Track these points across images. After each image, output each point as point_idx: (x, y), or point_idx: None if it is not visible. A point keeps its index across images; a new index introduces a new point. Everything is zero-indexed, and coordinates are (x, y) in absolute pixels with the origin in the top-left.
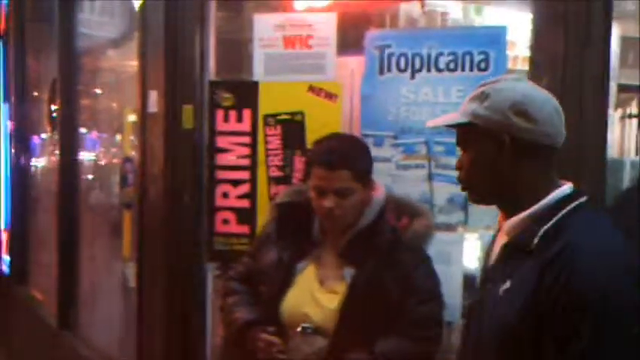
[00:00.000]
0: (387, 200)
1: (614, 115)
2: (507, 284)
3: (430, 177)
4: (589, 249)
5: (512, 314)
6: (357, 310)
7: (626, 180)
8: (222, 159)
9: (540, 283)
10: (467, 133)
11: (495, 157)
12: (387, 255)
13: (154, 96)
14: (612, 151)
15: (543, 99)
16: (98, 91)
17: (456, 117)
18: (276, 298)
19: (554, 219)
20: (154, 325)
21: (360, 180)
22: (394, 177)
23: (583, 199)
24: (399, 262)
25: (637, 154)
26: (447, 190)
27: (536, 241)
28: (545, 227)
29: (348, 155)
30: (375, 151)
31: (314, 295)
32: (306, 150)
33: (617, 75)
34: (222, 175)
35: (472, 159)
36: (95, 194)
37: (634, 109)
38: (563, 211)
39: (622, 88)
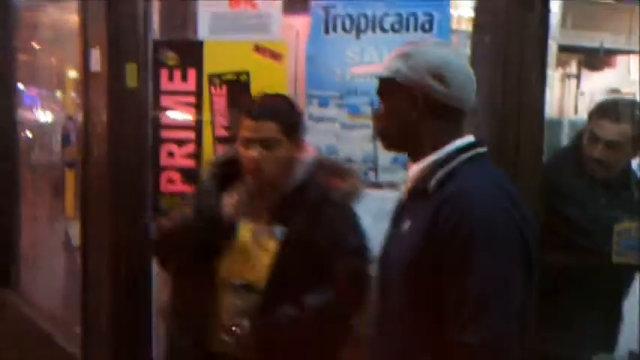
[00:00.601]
0: (318, 162)
1: (553, 75)
2: (408, 224)
3: (375, 137)
4: (476, 192)
5: (411, 251)
6: (287, 267)
7: (565, 139)
8: (167, 118)
9: (435, 221)
10: (387, 86)
11: (408, 110)
12: (317, 212)
13: (96, 54)
14: (552, 110)
15: (460, 66)
16: (37, 46)
17: (379, 70)
18: (214, 261)
19: (450, 166)
20: (99, 284)
21: (286, 134)
22: (339, 137)
23: (481, 149)
24: (328, 219)
25: (576, 114)
26: None
27: (432, 184)
28: (441, 173)
29: (274, 107)
30: (320, 112)
31: (250, 254)
32: None
33: (557, 36)
34: (167, 134)
35: (388, 109)
36: (36, 153)
37: (573, 70)
38: (459, 159)
39: (562, 49)
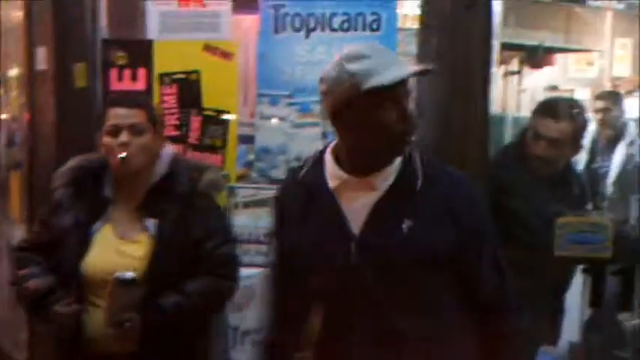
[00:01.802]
0: (176, 156)
1: (496, 72)
2: (409, 222)
3: (324, 135)
4: (465, 176)
5: (439, 238)
6: (164, 258)
7: (508, 135)
8: None
9: (451, 208)
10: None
11: None
12: (186, 202)
13: (42, 53)
14: (495, 107)
15: None
16: None
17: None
18: (75, 263)
19: (416, 161)
20: None
21: (152, 123)
22: (289, 135)
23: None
24: (198, 208)
25: (518, 110)
26: None
27: (420, 182)
28: (420, 169)
29: (140, 98)
30: (270, 110)
31: (117, 249)
32: (202, 109)
33: (499, 34)
34: None
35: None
36: None
37: (515, 67)
38: (420, 158)
39: (504, 47)
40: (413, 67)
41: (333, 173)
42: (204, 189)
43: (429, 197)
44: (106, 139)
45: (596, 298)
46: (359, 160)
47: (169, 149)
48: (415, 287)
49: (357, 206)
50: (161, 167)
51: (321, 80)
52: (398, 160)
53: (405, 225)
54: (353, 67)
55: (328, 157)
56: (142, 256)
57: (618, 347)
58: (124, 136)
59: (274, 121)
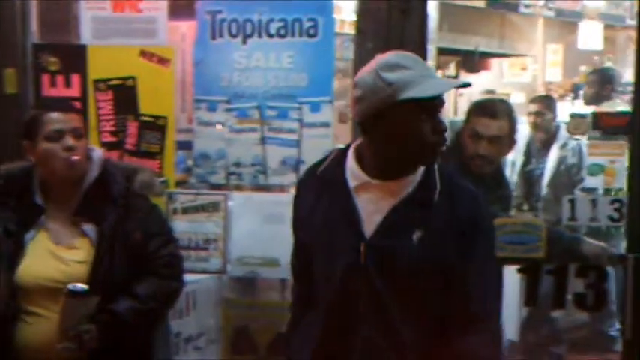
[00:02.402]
0: (105, 159)
1: None
2: (419, 233)
3: (263, 141)
4: (472, 188)
5: (445, 253)
6: (108, 260)
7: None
8: None
9: (457, 219)
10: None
11: None
12: (122, 204)
13: None
14: None
15: None
16: None
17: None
18: (8, 272)
19: (432, 172)
20: None
21: (84, 128)
22: (228, 141)
23: None
24: (135, 208)
25: (455, 115)
26: (280, 152)
27: (437, 195)
28: (438, 181)
29: (72, 103)
30: (208, 116)
31: (55, 255)
32: (139, 115)
33: (435, 39)
34: None
35: None
36: None
37: (452, 72)
38: (439, 171)
39: (441, 52)
40: (452, 81)
41: (354, 173)
42: (138, 190)
43: (443, 211)
44: (48, 145)
45: (530, 298)
46: (385, 167)
47: (99, 153)
48: (417, 292)
49: (372, 209)
50: (93, 171)
51: (356, 85)
52: (420, 170)
53: (416, 235)
54: (391, 76)
55: (350, 157)
56: (81, 261)
57: (554, 344)
58: (69, 140)
59: (219, 127)
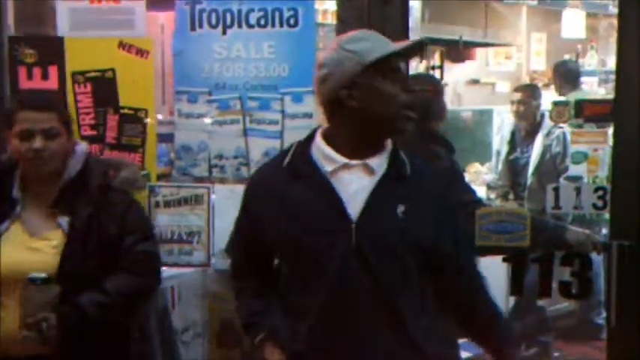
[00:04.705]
0: (89, 154)
1: (418, 66)
2: (402, 207)
3: (245, 132)
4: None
5: (426, 227)
6: (79, 255)
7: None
8: None
9: (443, 193)
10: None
11: None
12: (100, 197)
13: None
14: None
15: None
16: None
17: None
18: None
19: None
20: None
21: (64, 126)
22: (210, 133)
23: None
24: (113, 204)
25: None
26: (262, 144)
27: (409, 170)
28: (405, 157)
29: (54, 99)
30: (189, 108)
31: (28, 247)
32: (119, 108)
33: (419, 29)
34: None
35: None
36: None
37: (437, 62)
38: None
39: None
40: (408, 41)
41: (328, 157)
42: (118, 185)
43: (417, 183)
44: (17, 143)
45: (517, 287)
46: (362, 143)
47: (83, 146)
48: (410, 268)
49: (353, 189)
50: (75, 165)
51: (320, 66)
52: (388, 148)
53: (399, 210)
54: (354, 46)
55: (320, 143)
56: (54, 252)
57: (541, 333)
58: (37, 142)
59: (206, 120)
